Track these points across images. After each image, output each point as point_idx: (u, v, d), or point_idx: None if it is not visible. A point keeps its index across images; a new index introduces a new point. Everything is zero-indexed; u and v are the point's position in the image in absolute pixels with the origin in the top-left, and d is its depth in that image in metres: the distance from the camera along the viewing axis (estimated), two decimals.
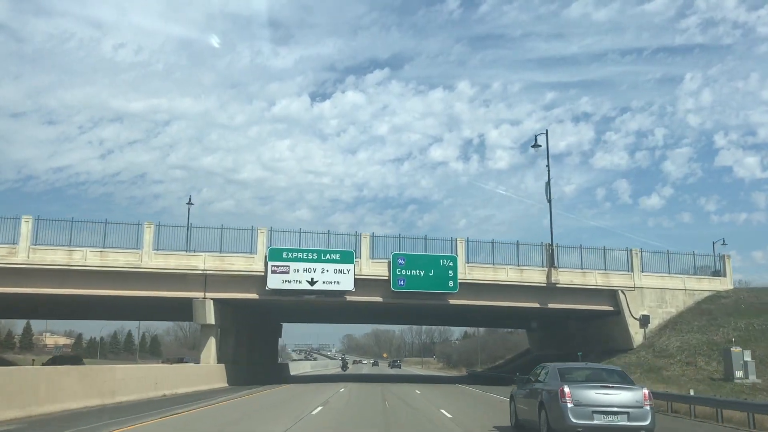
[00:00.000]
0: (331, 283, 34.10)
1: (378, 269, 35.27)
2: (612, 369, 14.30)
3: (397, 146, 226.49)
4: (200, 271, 33.09)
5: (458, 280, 35.24)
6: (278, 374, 51.97)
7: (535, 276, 37.10)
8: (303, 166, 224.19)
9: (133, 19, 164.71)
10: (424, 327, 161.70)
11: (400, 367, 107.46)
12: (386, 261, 35.37)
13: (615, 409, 12.35)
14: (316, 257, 34.19)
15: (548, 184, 39.00)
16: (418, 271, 35.13)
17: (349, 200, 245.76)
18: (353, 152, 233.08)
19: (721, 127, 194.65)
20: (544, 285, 37.02)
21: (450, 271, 35.35)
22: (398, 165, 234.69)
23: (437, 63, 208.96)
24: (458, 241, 36.77)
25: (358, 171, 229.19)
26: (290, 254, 33.98)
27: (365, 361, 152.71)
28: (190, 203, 46.10)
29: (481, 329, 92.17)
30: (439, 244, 37.00)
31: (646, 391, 12.72)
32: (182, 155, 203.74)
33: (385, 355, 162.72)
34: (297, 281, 33.67)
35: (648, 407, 12.46)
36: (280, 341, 67.46)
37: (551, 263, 37.11)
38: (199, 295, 33.29)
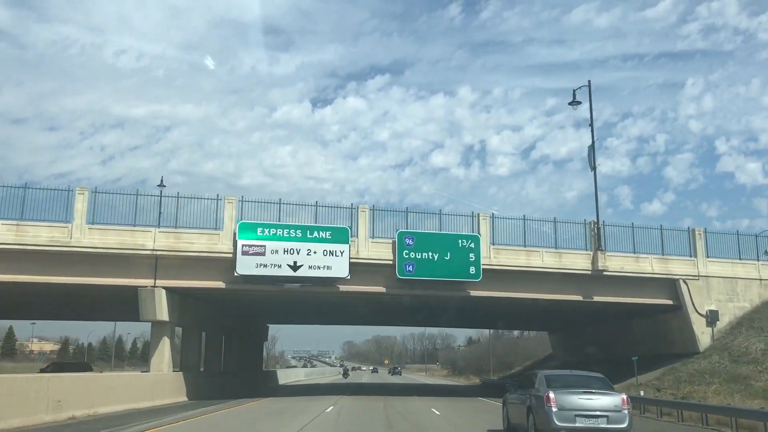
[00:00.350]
0: (319, 268, 26.47)
1: (380, 251, 27.65)
2: (595, 376, 14.65)
3: (398, 152, 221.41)
4: (149, 251, 25.42)
5: (481, 266, 27.65)
6: (262, 384, 44.25)
7: (578, 261, 29.53)
8: (304, 172, 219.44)
9: (134, 26, 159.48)
10: (426, 332, 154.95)
11: (400, 374, 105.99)
12: (390, 241, 27.76)
13: (596, 413, 13.05)
14: (300, 235, 26.54)
15: (591, 147, 31.43)
16: (430, 253, 27.48)
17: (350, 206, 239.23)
18: (354, 158, 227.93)
19: (723, 132, 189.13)
20: (589, 272, 29.47)
21: (471, 255, 27.69)
22: (399, 171, 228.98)
23: (438, 69, 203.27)
24: (481, 218, 29.12)
25: (360, 177, 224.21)
26: (267, 231, 26.30)
27: (364, 368, 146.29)
28: (161, 185, 39.11)
29: (488, 332, 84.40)
30: (456, 222, 29.33)
31: (624, 396, 13.49)
32: (183, 161, 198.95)
33: (386, 361, 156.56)
34: (275, 265, 26.00)
35: (626, 411, 13.18)
36: (278, 348, 60.09)
37: (597, 246, 29.50)
38: (148, 282, 25.65)
